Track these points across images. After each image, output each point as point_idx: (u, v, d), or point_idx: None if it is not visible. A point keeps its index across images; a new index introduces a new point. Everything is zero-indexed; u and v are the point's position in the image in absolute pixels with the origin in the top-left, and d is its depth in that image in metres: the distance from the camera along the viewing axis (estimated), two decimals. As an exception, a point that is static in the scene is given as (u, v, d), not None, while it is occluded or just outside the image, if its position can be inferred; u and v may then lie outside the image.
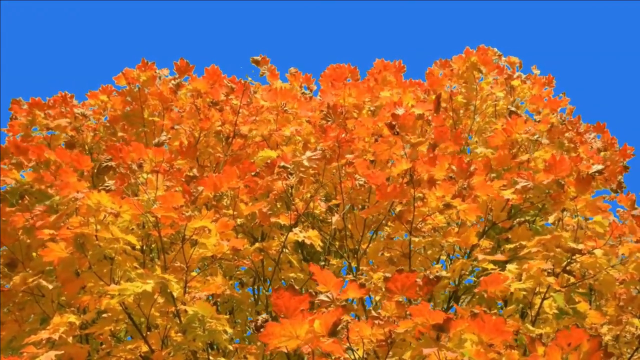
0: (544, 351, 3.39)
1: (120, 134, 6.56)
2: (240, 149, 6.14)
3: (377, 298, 4.99)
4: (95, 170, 5.31)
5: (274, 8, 18.90)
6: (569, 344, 3.34)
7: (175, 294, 4.06)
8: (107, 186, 4.81)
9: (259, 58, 7.41)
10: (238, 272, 5.89)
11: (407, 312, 3.55)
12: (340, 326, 3.25)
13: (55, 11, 18.34)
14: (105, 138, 6.61)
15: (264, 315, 4.04)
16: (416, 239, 5.04)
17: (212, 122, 6.13)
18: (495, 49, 7.47)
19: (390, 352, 3.57)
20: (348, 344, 3.47)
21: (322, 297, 3.60)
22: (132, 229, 4.47)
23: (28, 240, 5.10)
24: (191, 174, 5.27)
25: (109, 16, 18.37)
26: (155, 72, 6.79)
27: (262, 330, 3.31)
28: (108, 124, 6.76)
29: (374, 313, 3.70)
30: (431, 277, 3.94)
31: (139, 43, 18.65)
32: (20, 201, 5.41)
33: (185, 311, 4.16)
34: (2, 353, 4.75)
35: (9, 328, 4.76)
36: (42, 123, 6.53)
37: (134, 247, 4.50)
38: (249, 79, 6.53)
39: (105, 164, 4.99)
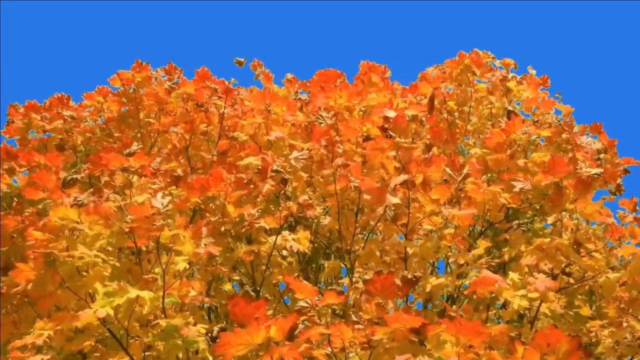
0: (522, 352, 3.36)
1: (116, 134, 6.58)
2: (227, 149, 6.11)
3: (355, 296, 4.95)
4: (62, 184, 5.25)
5: (270, 10, 18.87)
6: (548, 344, 3.32)
7: (146, 310, 4.00)
8: (78, 200, 4.76)
9: (242, 59, 7.40)
10: (237, 274, 5.87)
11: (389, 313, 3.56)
12: (297, 330, 3.24)
13: (54, 11, 18.39)
14: (101, 139, 6.63)
15: (220, 325, 4.01)
16: (410, 249, 4.99)
17: (197, 124, 6.13)
18: (489, 52, 7.43)
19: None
20: (330, 349, 3.45)
21: (301, 303, 3.61)
22: (106, 240, 4.38)
23: (22, 244, 5.08)
24: (176, 174, 5.25)
25: (109, 16, 18.44)
26: (150, 73, 6.81)
27: (217, 340, 3.31)
28: (104, 126, 6.79)
29: (354, 317, 3.67)
30: (409, 276, 3.90)
31: (137, 43, 18.70)
32: (13, 205, 5.45)
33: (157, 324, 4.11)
34: (1, 354, 4.77)
35: (6, 330, 4.74)
36: (39, 125, 6.58)
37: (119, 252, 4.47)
38: (233, 79, 6.53)
39: (70, 177, 4.98)
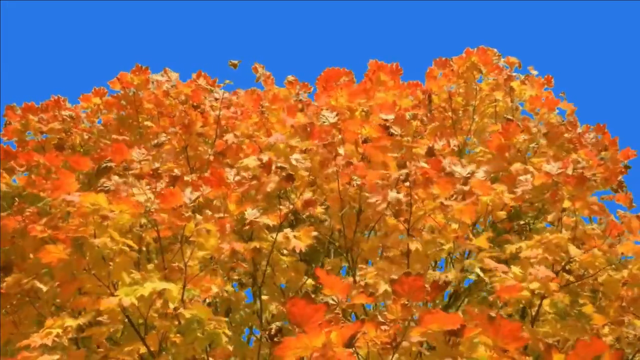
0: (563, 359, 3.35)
1: (114, 136, 6.59)
2: (225, 150, 6.12)
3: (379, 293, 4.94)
4: (95, 172, 5.30)
5: (273, 10, 18.90)
6: (589, 354, 3.29)
7: (172, 304, 4.03)
8: (105, 187, 4.78)
9: (236, 62, 7.39)
10: (237, 273, 5.85)
11: (413, 316, 3.50)
12: (356, 338, 3.22)
13: (54, 12, 18.36)
14: (98, 140, 6.64)
15: (277, 324, 4.01)
16: (413, 245, 4.99)
17: (193, 125, 6.16)
18: (495, 50, 7.44)
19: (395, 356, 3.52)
20: (353, 348, 3.44)
21: (328, 299, 3.59)
22: (131, 229, 4.46)
23: (22, 243, 5.06)
24: (174, 174, 5.26)
25: (108, 17, 18.42)
26: (150, 77, 6.83)
27: (275, 339, 3.39)
28: (102, 127, 6.81)
29: (379, 317, 3.62)
30: (440, 282, 3.88)
31: (137, 45, 18.68)
32: (13, 205, 5.43)
33: (180, 315, 4.14)
34: (0, 355, 4.74)
35: (7, 330, 4.76)
36: (36, 127, 6.61)
37: (133, 249, 4.47)
38: (227, 81, 6.58)
39: (104, 164, 5.02)
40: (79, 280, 4.27)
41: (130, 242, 4.28)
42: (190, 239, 4.39)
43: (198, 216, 4.43)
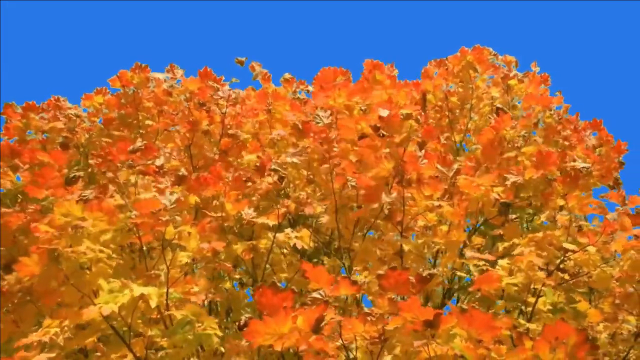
0: (531, 345, 3.42)
1: (115, 132, 6.63)
2: (229, 148, 6.15)
3: (370, 298, 5.01)
4: (64, 181, 5.28)
5: (271, 10, 18.91)
6: (557, 338, 3.37)
7: (153, 304, 3.98)
8: (84, 195, 4.74)
9: (242, 59, 7.43)
10: (238, 273, 5.91)
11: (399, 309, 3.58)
12: (323, 322, 3.27)
13: (55, 12, 18.38)
14: (98, 140, 6.68)
15: (248, 315, 4.03)
16: (407, 246, 5.05)
17: (199, 123, 6.18)
18: (491, 49, 7.45)
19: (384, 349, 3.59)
20: (341, 341, 3.50)
21: (314, 294, 3.62)
22: (111, 236, 4.39)
23: (25, 242, 5.08)
24: (180, 173, 5.30)
25: (109, 17, 18.43)
26: (149, 75, 6.86)
27: (245, 329, 3.33)
28: (103, 126, 6.84)
29: (366, 310, 3.71)
30: (424, 274, 3.96)
31: (137, 44, 18.71)
32: (15, 203, 5.46)
33: (170, 317, 4.14)
34: (1, 353, 4.77)
35: (6, 328, 4.73)
36: (37, 126, 6.61)
37: (112, 256, 4.45)
38: (233, 79, 6.61)
39: (73, 174, 5.03)
40: (58, 292, 4.18)
41: (107, 250, 4.22)
42: (173, 242, 4.40)
43: (178, 218, 4.41)
